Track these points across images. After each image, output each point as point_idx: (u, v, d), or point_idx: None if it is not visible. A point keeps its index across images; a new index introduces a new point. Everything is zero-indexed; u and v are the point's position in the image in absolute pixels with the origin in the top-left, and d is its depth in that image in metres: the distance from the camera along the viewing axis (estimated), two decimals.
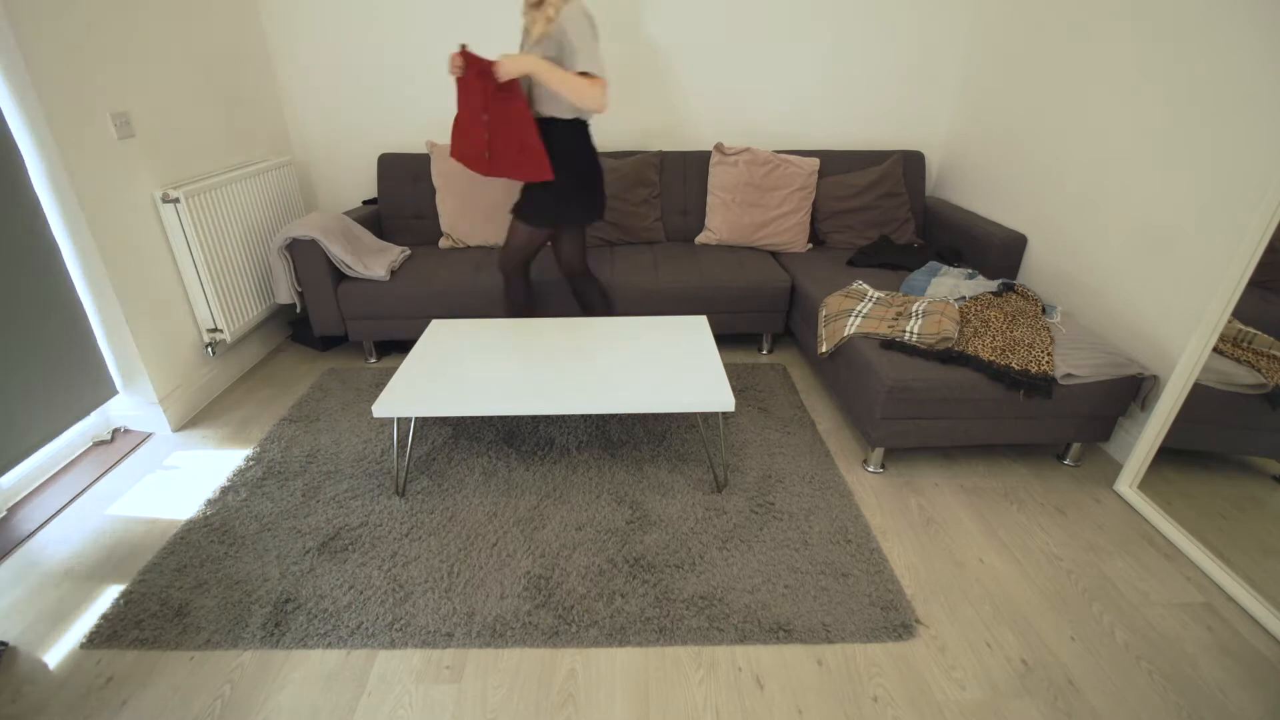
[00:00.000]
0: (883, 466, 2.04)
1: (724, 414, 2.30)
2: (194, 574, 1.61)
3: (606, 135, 3.08)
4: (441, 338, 2.11)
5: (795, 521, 1.79)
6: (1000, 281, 2.30)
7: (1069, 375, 1.86)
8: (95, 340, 2.04)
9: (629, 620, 1.48)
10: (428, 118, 3.02)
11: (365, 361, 2.72)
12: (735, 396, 2.41)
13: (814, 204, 2.94)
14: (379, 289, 2.51)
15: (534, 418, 2.28)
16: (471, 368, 1.92)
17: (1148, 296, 2.00)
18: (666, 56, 2.93)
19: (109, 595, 1.56)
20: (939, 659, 1.42)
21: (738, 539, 1.73)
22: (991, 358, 1.90)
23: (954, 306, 2.13)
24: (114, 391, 2.12)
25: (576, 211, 2.17)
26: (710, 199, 2.97)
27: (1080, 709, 1.32)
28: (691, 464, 2.03)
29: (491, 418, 2.27)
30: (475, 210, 2.84)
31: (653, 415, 2.29)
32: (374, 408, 1.73)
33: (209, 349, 2.39)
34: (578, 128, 2.07)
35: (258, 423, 2.27)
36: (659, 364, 1.93)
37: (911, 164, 3.00)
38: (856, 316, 2.14)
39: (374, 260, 2.57)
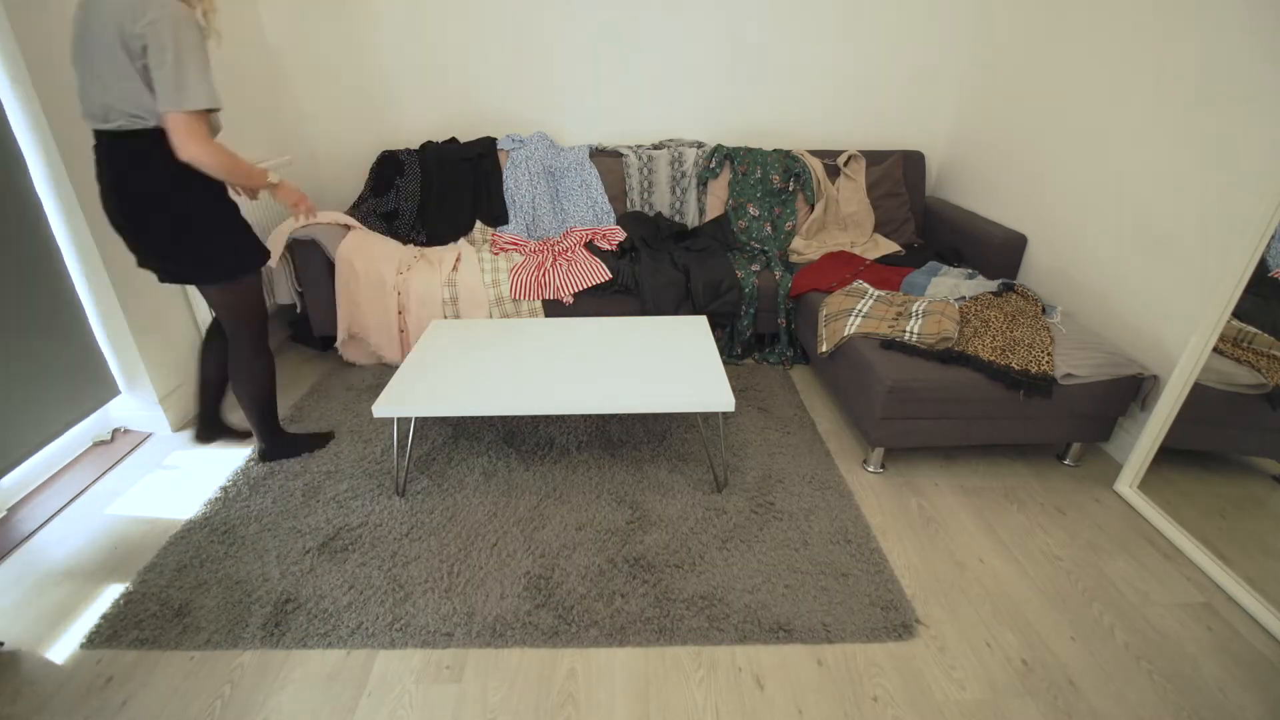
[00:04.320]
0: (883, 466, 2.04)
1: (724, 414, 2.30)
2: (194, 574, 1.61)
3: (619, 131, 3.08)
4: (441, 338, 2.12)
5: (795, 521, 1.79)
6: (1000, 281, 2.30)
7: (1069, 375, 1.86)
8: (96, 341, 2.04)
9: (629, 620, 1.48)
10: (428, 116, 3.02)
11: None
12: (735, 396, 2.41)
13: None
14: None
15: (534, 418, 2.28)
16: (471, 368, 1.92)
17: (1148, 296, 2.00)
18: (666, 55, 2.93)
19: (109, 595, 1.56)
20: (939, 659, 1.42)
21: (738, 539, 1.73)
22: (991, 358, 1.90)
23: (954, 306, 2.13)
24: (116, 392, 2.12)
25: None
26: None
27: (1080, 709, 1.32)
28: (691, 464, 2.03)
29: (491, 418, 2.27)
30: None
31: (653, 415, 2.29)
32: (374, 408, 1.73)
33: None
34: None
35: None
36: (659, 364, 1.93)
37: (911, 164, 3.00)
38: (856, 316, 2.14)
39: None
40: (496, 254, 2.69)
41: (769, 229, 2.91)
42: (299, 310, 2.61)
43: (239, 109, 2.62)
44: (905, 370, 1.87)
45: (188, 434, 2.20)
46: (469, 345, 2.06)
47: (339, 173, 3.12)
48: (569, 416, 2.29)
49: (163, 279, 1.69)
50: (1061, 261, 2.38)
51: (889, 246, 2.80)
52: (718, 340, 2.67)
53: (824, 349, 2.19)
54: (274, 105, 2.89)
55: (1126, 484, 1.93)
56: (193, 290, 2.30)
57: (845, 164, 2.96)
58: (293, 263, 2.51)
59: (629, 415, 2.30)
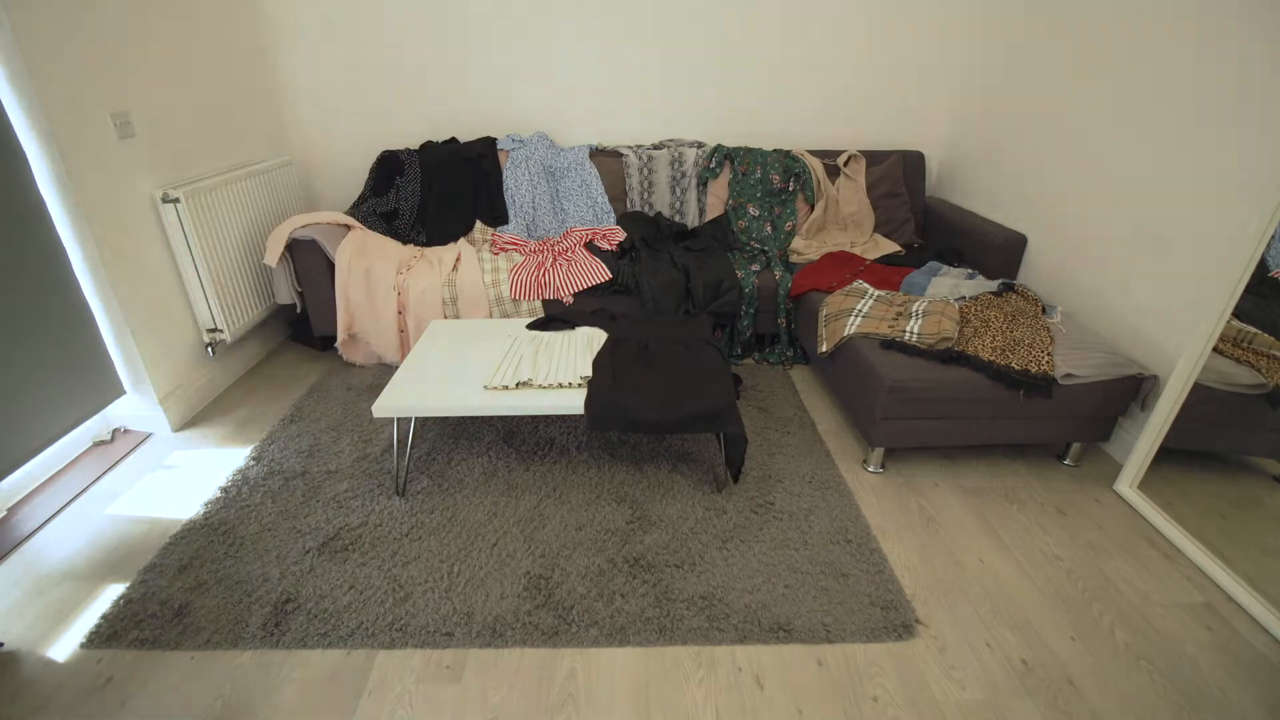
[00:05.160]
0: (883, 466, 2.04)
1: None
2: (194, 574, 1.61)
3: (619, 131, 3.08)
4: (441, 338, 2.11)
5: (795, 521, 1.79)
6: (1000, 281, 2.30)
7: (1069, 375, 1.86)
8: (102, 340, 2.04)
9: (629, 620, 1.48)
10: (428, 116, 3.02)
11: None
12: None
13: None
14: None
15: (534, 418, 2.28)
16: (471, 368, 1.92)
17: (1148, 296, 2.00)
18: (666, 55, 2.93)
19: (109, 595, 1.56)
20: (939, 659, 1.42)
21: (738, 539, 1.73)
22: (991, 358, 1.90)
23: (954, 306, 2.13)
24: (121, 391, 2.12)
25: None
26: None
27: (1080, 709, 1.32)
28: (691, 464, 2.03)
29: (491, 418, 2.27)
30: None
31: None
32: (374, 408, 1.73)
33: (209, 349, 2.39)
34: None
35: (258, 423, 2.27)
36: None
37: (911, 164, 3.00)
38: (856, 316, 2.14)
39: None
40: (496, 254, 2.69)
41: (769, 229, 2.91)
42: (299, 310, 2.61)
43: (239, 109, 2.62)
44: (905, 370, 1.87)
45: (188, 434, 2.20)
46: (469, 345, 2.06)
47: (339, 173, 3.11)
48: (569, 416, 2.29)
49: None
50: (1061, 261, 2.38)
51: (889, 246, 2.81)
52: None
53: (824, 349, 2.19)
54: (274, 105, 2.90)
55: (1126, 484, 1.93)
56: (193, 289, 2.30)
57: (845, 164, 2.96)
58: (293, 263, 2.51)
59: None
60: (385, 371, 2.59)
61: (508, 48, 2.88)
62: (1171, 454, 1.85)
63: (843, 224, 2.94)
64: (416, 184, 2.87)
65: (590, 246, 2.72)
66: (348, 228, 2.60)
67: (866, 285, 2.38)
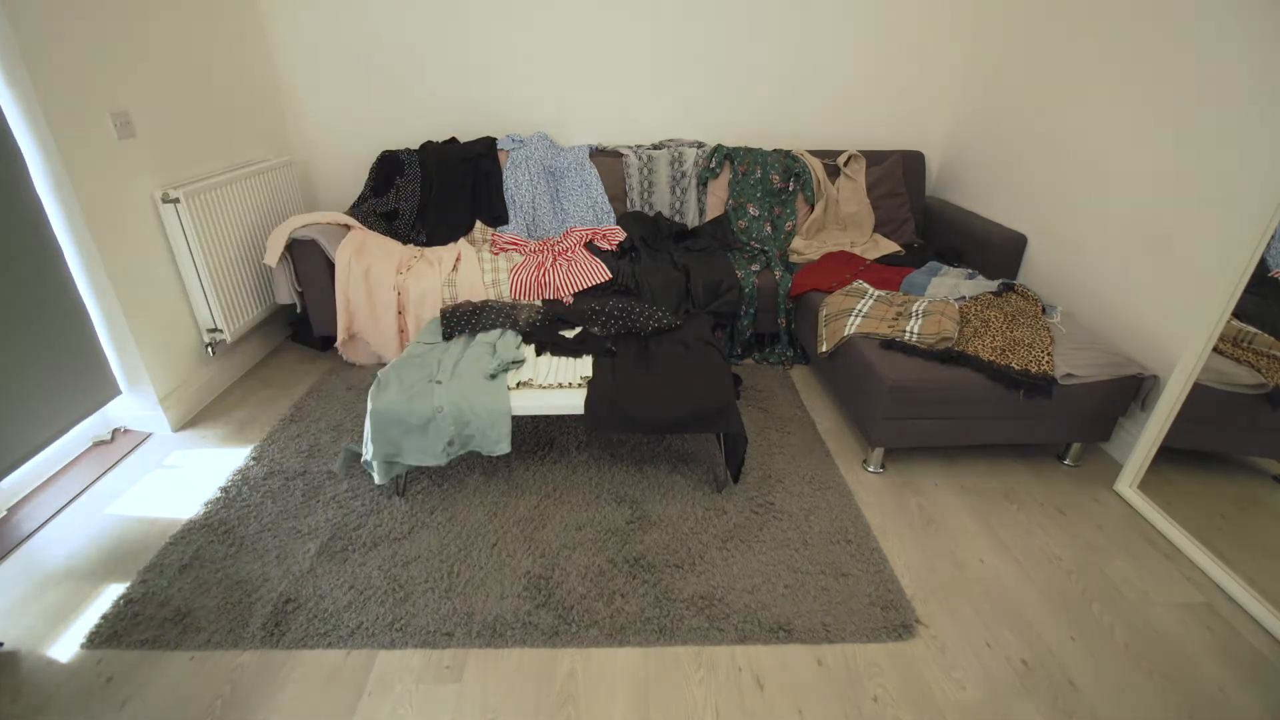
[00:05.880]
0: (883, 466, 2.04)
1: None
2: (194, 574, 1.61)
3: (619, 131, 3.08)
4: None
5: (795, 521, 1.79)
6: (1000, 281, 2.31)
7: (1069, 375, 1.86)
8: (98, 340, 2.04)
9: (629, 620, 1.48)
10: (428, 116, 3.02)
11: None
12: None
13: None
14: None
15: (534, 418, 2.28)
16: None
17: (1148, 296, 2.00)
18: (666, 55, 2.93)
19: (109, 595, 1.56)
20: (939, 659, 1.42)
21: (738, 539, 1.73)
22: (991, 358, 1.90)
23: (954, 306, 2.13)
24: (117, 391, 2.12)
25: None
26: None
27: (1080, 709, 1.32)
28: (692, 464, 2.03)
29: None
30: None
31: None
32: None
33: (209, 349, 2.39)
34: None
35: (258, 423, 2.27)
36: None
37: (911, 164, 3.00)
38: (856, 316, 2.14)
39: None
40: (496, 254, 2.69)
41: (769, 229, 2.91)
42: (299, 310, 2.61)
43: (239, 109, 2.62)
44: (905, 370, 1.87)
45: (188, 434, 2.20)
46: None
47: (339, 173, 3.11)
48: (569, 416, 2.28)
49: None
50: (1061, 261, 2.38)
51: (889, 246, 2.81)
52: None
53: (824, 349, 2.19)
54: (274, 105, 2.89)
55: (1126, 484, 1.93)
56: (193, 289, 2.30)
57: (845, 164, 2.96)
58: (293, 263, 2.51)
59: None
60: None
61: (508, 47, 2.88)
62: (1171, 454, 1.85)
63: (843, 224, 2.94)
64: (416, 184, 2.87)
65: (590, 246, 2.72)
66: (348, 228, 2.60)
67: (866, 285, 2.38)
